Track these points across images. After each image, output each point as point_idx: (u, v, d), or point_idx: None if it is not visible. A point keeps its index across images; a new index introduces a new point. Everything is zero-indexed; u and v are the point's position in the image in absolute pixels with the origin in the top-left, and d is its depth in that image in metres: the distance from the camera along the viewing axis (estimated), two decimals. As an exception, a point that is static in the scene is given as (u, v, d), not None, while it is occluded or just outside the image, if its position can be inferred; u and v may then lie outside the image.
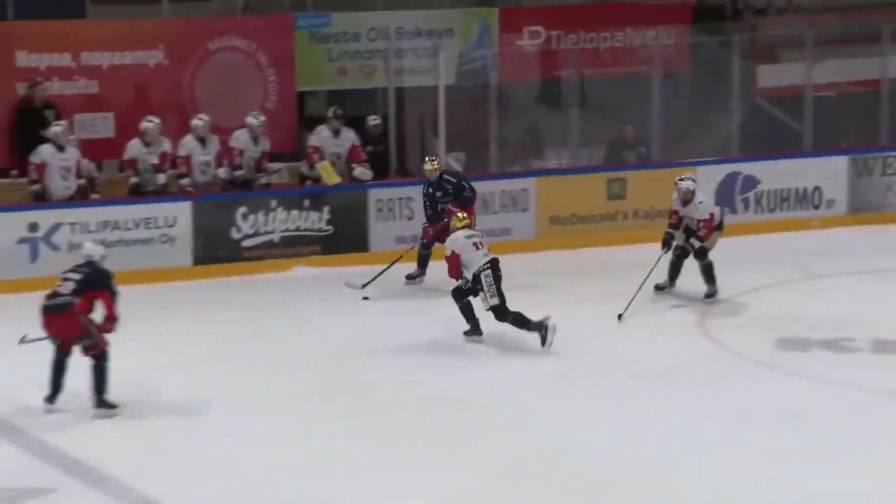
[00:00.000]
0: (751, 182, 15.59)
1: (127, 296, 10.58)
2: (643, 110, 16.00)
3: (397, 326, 11.84)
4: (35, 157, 13.32)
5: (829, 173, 15.83)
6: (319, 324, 12.03)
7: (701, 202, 12.42)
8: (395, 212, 14.34)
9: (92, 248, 9.73)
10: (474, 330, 11.33)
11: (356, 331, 11.79)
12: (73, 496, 8.34)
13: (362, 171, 14.47)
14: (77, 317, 9.33)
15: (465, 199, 12.92)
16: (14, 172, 13.83)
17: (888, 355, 11.07)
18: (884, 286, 13.24)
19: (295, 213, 13.89)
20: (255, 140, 14.25)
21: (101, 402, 9.43)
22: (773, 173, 15.63)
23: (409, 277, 13.17)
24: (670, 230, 12.52)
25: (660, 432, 9.38)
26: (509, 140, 16.02)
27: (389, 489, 8.44)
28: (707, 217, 12.35)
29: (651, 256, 12.74)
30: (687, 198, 12.38)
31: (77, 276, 9.44)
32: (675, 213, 12.53)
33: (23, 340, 9.58)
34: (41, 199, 13.34)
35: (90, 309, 9.48)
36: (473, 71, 15.80)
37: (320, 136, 14.58)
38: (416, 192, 14.43)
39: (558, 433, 9.37)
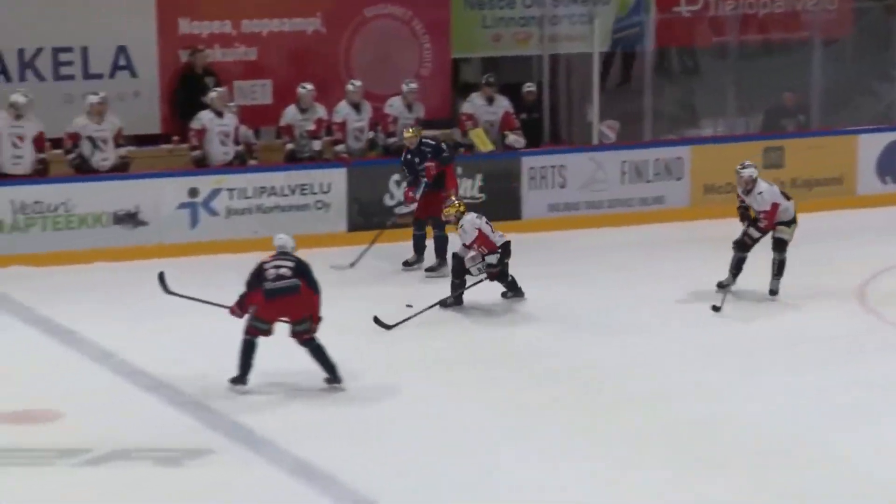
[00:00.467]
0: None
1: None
2: (803, 77, 15.69)
3: (542, 295, 11.83)
4: (195, 123, 13.59)
5: None
6: (470, 290, 12.07)
7: (761, 193, 11.55)
8: (548, 179, 14.32)
9: (286, 240, 9.71)
10: (455, 301, 11.48)
11: (504, 299, 11.80)
12: (232, 458, 8.54)
13: (515, 139, 14.46)
14: (304, 299, 9.41)
15: (444, 159, 12.64)
16: (175, 138, 14.13)
17: None
18: None
19: (448, 180, 13.97)
20: (410, 107, 14.33)
21: (337, 377, 9.50)
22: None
23: (406, 264, 12.73)
24: (743, 205, 11.72)
25: (818, 404, 9.29)
26: (664, 108, 15.86)
27: (543, 457, 8.49)
28: (768, 209, 11.51)
29: (810, 226, 12.51)
30: (748, 187, 11.59)
31: (290, 263, 9.47)
32: (742, 198, 11.79)
33: (164, 285, 9.74)
34: (201, 165, 13.61)
35: None
36: (629, 38, 15.65)
37: (474, 103, 14.60)
38: (569, 160, 14.46)
39: (714, 403, 9.32)
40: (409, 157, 12.73)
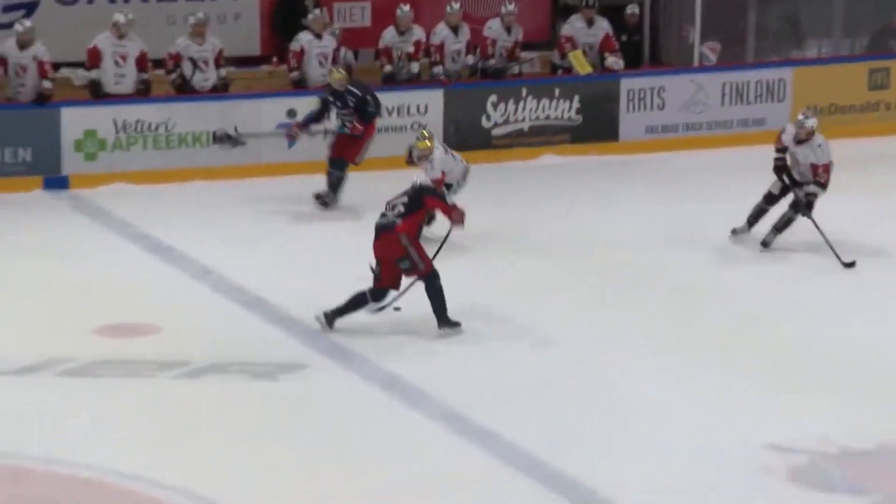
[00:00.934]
0: None
1: (379, 181, 10.89)
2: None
3: (642, 215, 11.82)
4: (294, 45, 13.65)
5: None
6: (568, 212, 12.09)
7: (820, 145, 10.80)
8: (647, 102, 14.19)
9: (418, 177, 9.57)
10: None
11: (602, 219, 11.79)
12: (326, 373, 8.68)
13: (614, 61, 14.33)
14: (398, 237, 9.19)
15: (368, 114, 12.07)
16: (275, 60, 14.22)
17: None
18: None
19: (545, 101, 13.90)
20: (508, 29, 14.25)
21: (444, 321, 9.22)
22: None
23: (318, 197, 12.09)
24: (781, 156, 10.95)
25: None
26: (768, 29, 15.60)
27: (659, 377, 8.56)
28: (828, 161, 10.74)
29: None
30: (808, 137, 10.81)
31: (403, 200, 9.33)
32: (785, 148, 10.98)
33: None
34: (300, 86, 13.68)
35: (416, 233, 9.34)
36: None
37: (573, 25, 14.46)
38: (668, 82, 14.30)
39: (828, 324, 9.33)
40: (330, 98, 12.18)
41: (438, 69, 14.01)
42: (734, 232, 11.23)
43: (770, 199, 11.11)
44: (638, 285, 10.23)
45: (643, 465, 7.43)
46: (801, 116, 11.07)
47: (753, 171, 13.05)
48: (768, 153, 13.71)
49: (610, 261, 10.77)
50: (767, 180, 12.77)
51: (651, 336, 9.22)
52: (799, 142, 10.91)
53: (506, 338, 9.21)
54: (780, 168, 11.02)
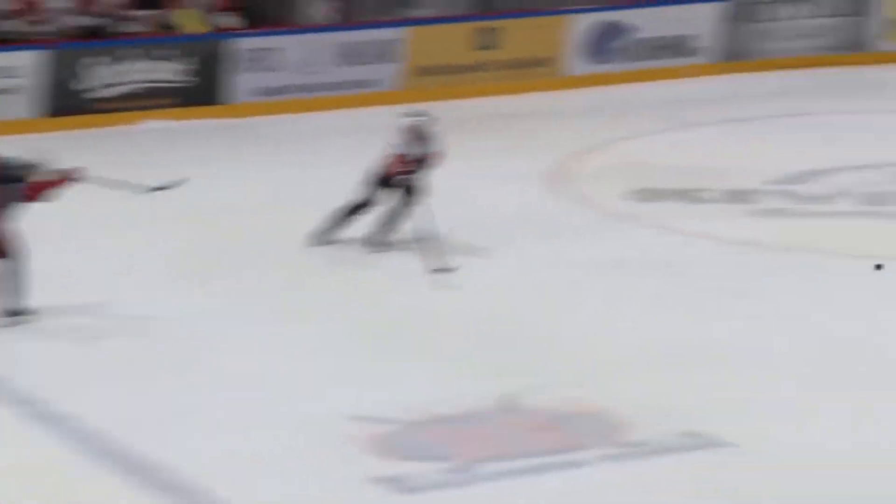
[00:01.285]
0: (622, 30, 15.33)
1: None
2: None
3: (248, 183, 11.63)
4: None
5: (700, 19, 15.53)
6: (171, 178, 11.75)
7: (433, 130, 10.10)
8: (260, 63, 14.02)
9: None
10: None
11: (207, 185, 11.50)
12: None
13: (228, 20, 14.13)
14: None
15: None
16: None
17: (741, 205, 11.04)
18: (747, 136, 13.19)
19: (153, 63, 13.53)
20: (118, -12, 13.83)
21: (15, 310, 8.64)
22: (647, 20, 15.36)
23: None
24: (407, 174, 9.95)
25: (517, 284, 9.37)
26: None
27: (251, 344, 8.38)
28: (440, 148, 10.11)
29: (524, 108, 12.50)
30: (423, 133, 10.07)
31: None
32: (406, 159, 9.99)
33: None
34: None
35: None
36: None
37: (188, -17, 14.18)
38: (283, 43, 14.15)
39: (415, 291, 9.28)
40: None
41: (43, 28, 13.43)
42: (319, 239, 10.13)
43: (358, 207, 10.09)
44: (241, 254, 10.05)
45: (229, 437, 7.27)
46: (410, 120, 10.20)
47: (366, 133, 13.12)
48: (381, 114, 13.84)
49: (213, 228, 10.55)
50: (378, 143, 12.86)
51: (246, 304, 9.07)
52: (423, 138, 10.13)
53: (88, 317, 8.87)
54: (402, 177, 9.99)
